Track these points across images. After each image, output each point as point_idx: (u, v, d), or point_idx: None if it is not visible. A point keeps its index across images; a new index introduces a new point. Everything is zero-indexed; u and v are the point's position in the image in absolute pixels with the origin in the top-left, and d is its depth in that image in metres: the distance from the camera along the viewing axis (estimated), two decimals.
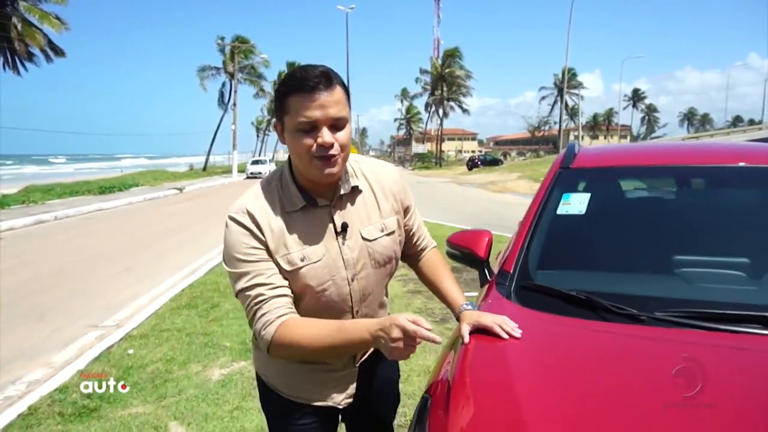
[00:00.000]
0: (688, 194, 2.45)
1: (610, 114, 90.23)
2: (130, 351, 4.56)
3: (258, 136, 72.52)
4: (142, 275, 7.69)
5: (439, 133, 67.80)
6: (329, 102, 1.33)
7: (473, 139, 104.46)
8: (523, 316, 1.63)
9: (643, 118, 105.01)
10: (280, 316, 1.37)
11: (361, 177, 1.55)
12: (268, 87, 57.31)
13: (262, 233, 1.40)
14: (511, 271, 1.96)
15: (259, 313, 1.38)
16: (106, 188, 23.77)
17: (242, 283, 1.39)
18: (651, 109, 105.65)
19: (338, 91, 1.35)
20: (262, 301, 1.38)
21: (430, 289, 1.82)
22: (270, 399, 1.65)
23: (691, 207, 2.36)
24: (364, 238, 1.50)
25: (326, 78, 1.33)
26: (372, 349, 1.63)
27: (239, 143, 42.62)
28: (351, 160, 1.54)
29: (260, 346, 1.44)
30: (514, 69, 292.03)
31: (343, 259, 1.47)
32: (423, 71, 65.44)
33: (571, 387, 1.32)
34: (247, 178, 37.87)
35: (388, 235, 1.56)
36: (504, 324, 1.52)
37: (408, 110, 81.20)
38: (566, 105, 63.63)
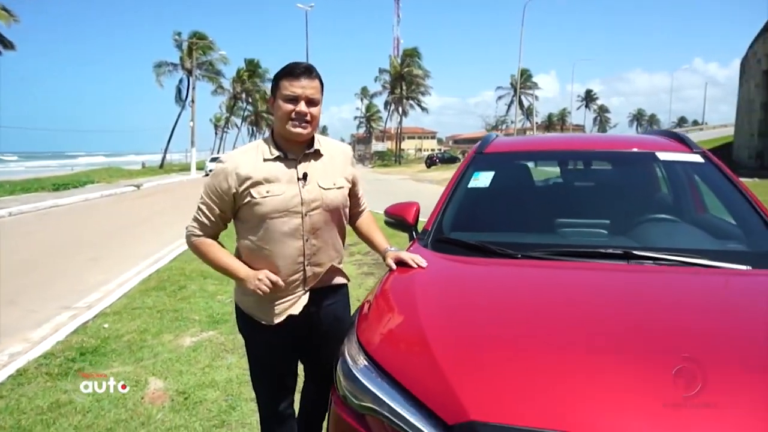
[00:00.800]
0: (568, 172, 3.15)
1: (564, 114, 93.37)
2: (105, 325, 4.97)
3: (216, 133, 71.84)
4: (108, 264, 8.00)
5: (399, 132, 68.70)
6: (308, 86, 1.98)
7: (432, 137, 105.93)
8: (433, 258, 2.25)
9: (595, 118, 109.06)
10: (200, 235, 2.10)
11: (324, 147, 2.16)
12: (227, 84, 56.89)
13: (239, 177, 2.00)
14: (430, 229, 2.57)
15: (192, 224, 2.10)
16: (60, 185, 23.40)
17: (200, 203, 2.10)
18: (603, 110, 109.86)
19: (316, 81, 2.02)
20: (198, 219, 2.09)
21: (365, 241, 2.42)
22: (244, 321, 2.20)
23: (570, 180, 3.05)
24: (320, 186, 2.07)
25: (308, 70, 2.01)
26: (319, 282, 2.18)
27: (197, 141, 42.20)
28: (318, 136, 2.17)
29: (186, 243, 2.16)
30: (473, 69, 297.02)
31: (301, 198, 2.03)
32: (382, 70, 66.20)
33: (459, 296, 1.95)
34: (206, 175, 37.64)
35: (338, 189, 2.13)
36: (416, 259, 2.14)
37: (368, 109, 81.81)
38: (522, 105, 65.62)
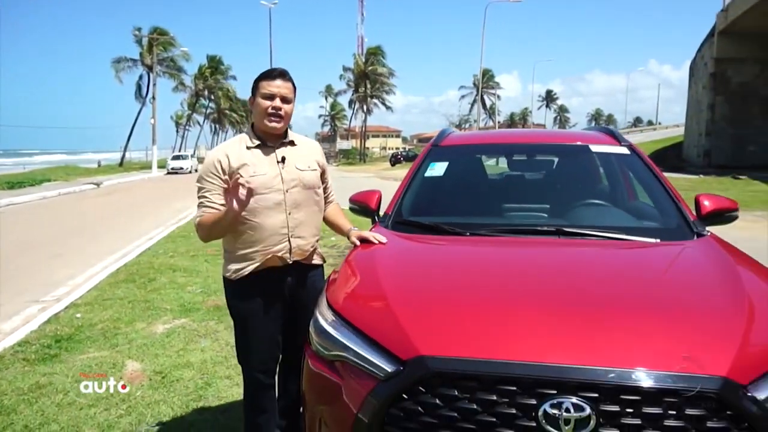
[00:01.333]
0: (513, 163, 3.51)
1: (525, 113, 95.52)
2: (78, 315, 5.09)
3: (178, 131, 70.46)
4: (73, 260, 8.00)
5: (363, 130, 68.93)
6: (282, 86, 2.37)
7: (397, 136, 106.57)
8: (393, 236, 2.56)
9: (555, 118, 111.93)
10: (201, 215, 2.38)
11: (296, 139, 2.54)
12: (189, 81, 55.91)
13: (228, 159, 2.33)
14: (390, 213, 2.88)
15: (198, 211, 2.40)
16: (15, 183, 22.75)
17: (200, 193, 2.41)
18: (563, 110, 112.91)
19: (289, 83, 2.41)
20: (201, 204, 2.39)
21: (332, 226, 2.76)
22: (234, 292, 2.47)
23: (515, 170, 3.42)
24: (297, 168, 2.44)
25: (282, 74, 2.40)
26: (302, 257, 2.47)
27: (158, 138, 41.45)
28: (290, 132, 2.51)
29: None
30: (438, 68, 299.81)
31: (281, 177, 2.38)
32: (346, 68, 66.25)
33: (414, 262, 2.28)
34: (168, 173, 37.08)
35: (312, 170, 2.50)
36: (377, 236, 2.46)
37: (332, 107, 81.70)
38: (484, 104, 66.87)
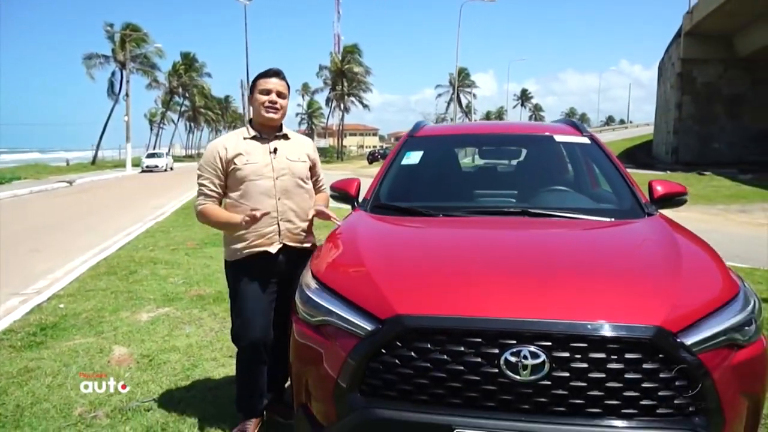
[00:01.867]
0: (484, 151, 3.76)
1: (501, 112, 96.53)
2: (61, 305, 5.17)
3: (152, 129, 69.54)
4: (51, 254, 8.00)
5: (341, 128, 69.00)
6: (277, 84, 2.67)
7: (374, 134, 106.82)
8: (371, 218, 2.76)
9: (530, 117, 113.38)
10: (204, 203, 2.65)
11: (291, 134, 2.79)
12: (163, 78, 55.18)
13: (226, 150, 2.57)
14: (369, 198, 3.08)
15: (199, 199, 2.67)
16: None
17: (198, 180, 2.64)
18: (537, 108, 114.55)
19: (284, 81, 2.71)
20: (202, 193, 2.66)
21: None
22: (234, 270, 2.70)
23: (486, 158, 3.65)
24: (288, 159, 2.70)
25: (277, 73, 2.69)
26: (292, 240, 2.70)
27: (131, 136, 40.69)
28: (286, 128, 2.77)
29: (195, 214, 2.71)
30: (414, 67, 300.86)
31: (272, 166, 2.62)
32: (323, 67, 66.16)
33: (391, 236, 2.50)
34: (143, 171, 36.59)
35: (302, 162, 2.77)
36: (330, 213, 2.80)
37: (309, 105, 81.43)
38: (460, 102, 67.51)
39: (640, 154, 33.60)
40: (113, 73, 46.74)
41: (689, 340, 1.69)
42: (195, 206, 2.71)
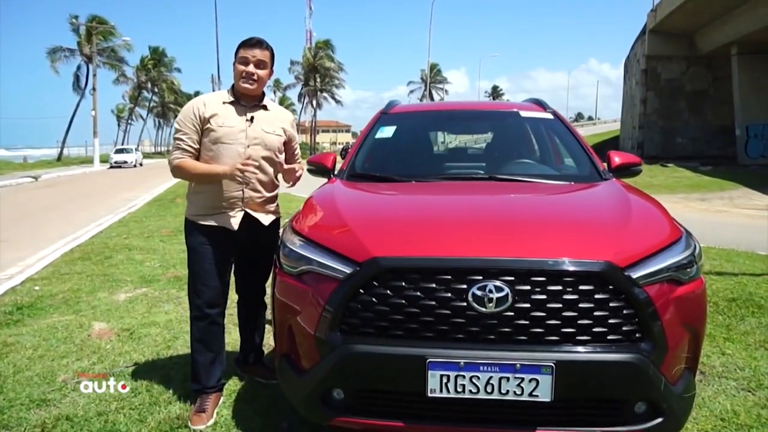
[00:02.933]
0: (453, 126, 3.95)
1: None
2: (36, 287, 5.17)
3: (119, 125, 68.08)
4: (21, 245, 7.88)
5: (313, 125, 68.75)
6: (258, 53, 2.70)
7: (347, 131, 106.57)
8: (346, 184, 2.91)
9: None
10: (181, 157, 2.67)
11: (271, 106, 2.85)
12: (131, 72, 54.08)
13: (205, 107, 2.63)
14: (345, 168, 3.23)
15: (174, 152, 2.71)
16: None
17: (175, 135, 2.70)
18: None
19: (266, 51, 2.73)
20: (178, 147, 2.68)
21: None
22: (192, 230, 2.76)
23: (456, 133, 3.84)
24: (263, 129, 2.75)
25: (260, 42, 2.73)
26: (256, 208, 2.77)
27: (98, 132, 39.84)
28: (268, 100, 2.82)
29: (170, 168, 2.73)
30: (387, 64, 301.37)
31: (246, 133, 2.69)
32: (294, 62, 65.80)
33: (366, 195, 2.67)
34: (112, 167, 35.85)
35: (277, 135, 2.81)
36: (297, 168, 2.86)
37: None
38: (432, 98, 67.84)
39: (607, 150, 34.21)
40: (79, 67, 45.71)
41: (635, 274, 1.89)
42: (170, 161, 2.72)
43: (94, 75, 40.88)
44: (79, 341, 3.77)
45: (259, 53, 2.69)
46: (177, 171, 2.70)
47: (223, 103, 2.72)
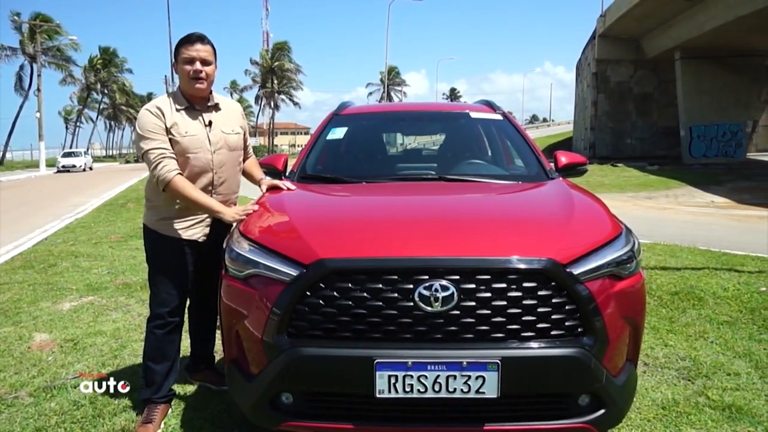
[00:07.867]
0: (405, 127, 3.98)
1: None
2: None
3: (67, 128, 65.44)
4: None
5: (271, 127, 67.96)
6: (201, 49, 2.56)
7: (306, 133, 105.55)
8: (298, 186, 2.88)
9: None
10: (177, 170, 2.48)
11: (221, 102, 2.75)
12: (79, 73, 52.15)
13: (164, 116, 2.50)
14: (295, 170, 3.19)
15: (162, 163, 2.47)
16: None
17: (148, 145, 2.48)
18: None
19: (208, 46, 2.60)
20: (164, 156, 2.48)
21: (247, 176, 3.01)
22: (154, 238, 2.67)
23: (407, 133, 3.87)
24: (222, 132, 2.67)
25: (201, 38, 2.58)
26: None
27: (44, 135, 38.13)
28: (214, 93, 2.70)
29: (158, 184, 2.49)
30: (347, 66, 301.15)
31: (209, 140, 2.60)
32: (253, 62, 64.90)
33: (316, 197, 2.65)
34: (59, 171, 34.42)
35: (236, 134, 2.77)
36: (286, 183, 2.78)
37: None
38: (391, 100, 68.16)
39: (561, 150, 35.39)
40: (21, 67, 43.74)
41: (577, 270, 1.94)
42: (159, 174, 2.45)
43: (39, 75, 39.16)
44: (18, 354, 3.59)
45: (202, 49, 2.55)
46: (172, 187, 2.47)
47: (177, 110, 2.58)
